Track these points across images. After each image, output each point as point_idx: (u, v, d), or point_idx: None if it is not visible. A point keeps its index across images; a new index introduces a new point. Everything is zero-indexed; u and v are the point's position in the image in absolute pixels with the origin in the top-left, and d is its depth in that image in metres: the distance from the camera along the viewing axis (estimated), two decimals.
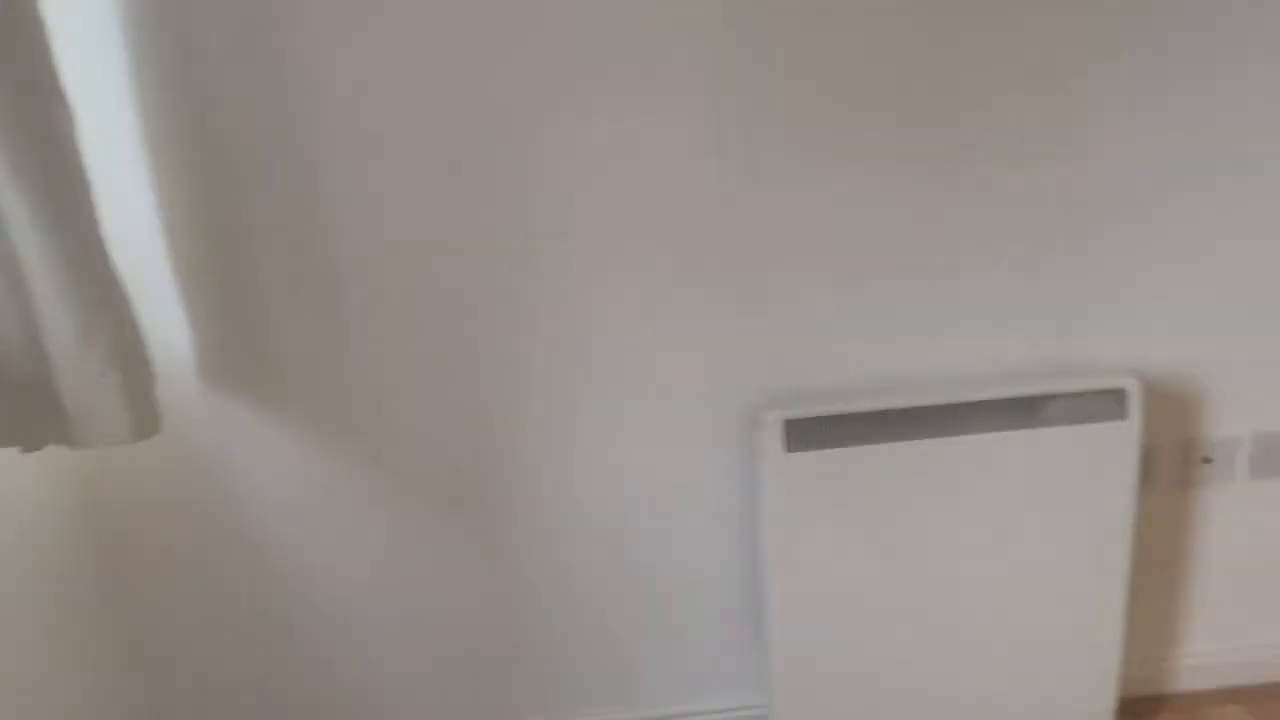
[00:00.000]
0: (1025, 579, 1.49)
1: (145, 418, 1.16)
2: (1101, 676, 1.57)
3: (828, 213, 1.40)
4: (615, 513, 1.53)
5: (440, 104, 1.31)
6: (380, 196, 1.33)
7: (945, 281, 1.46)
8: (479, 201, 1.35)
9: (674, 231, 1.39)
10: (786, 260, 1.42)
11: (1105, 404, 1.42)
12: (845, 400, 1.41)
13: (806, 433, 1.40)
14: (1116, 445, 1.44)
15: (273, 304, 1.37)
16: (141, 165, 1.29)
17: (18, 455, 1.13)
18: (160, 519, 1.46)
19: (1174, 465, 1.60)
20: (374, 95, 1.29)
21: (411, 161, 1.33)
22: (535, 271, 1.39)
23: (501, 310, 1.40)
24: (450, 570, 1.53)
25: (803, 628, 1.48)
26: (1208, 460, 1.60)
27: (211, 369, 1.39)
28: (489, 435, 1.46)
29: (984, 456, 1.42)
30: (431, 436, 1.46)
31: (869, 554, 1.45)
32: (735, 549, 1.56)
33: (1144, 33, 1.37)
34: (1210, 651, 1.73)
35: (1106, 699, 1.58)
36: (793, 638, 1.49)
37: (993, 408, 1.41)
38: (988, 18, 1.34)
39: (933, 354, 1.49)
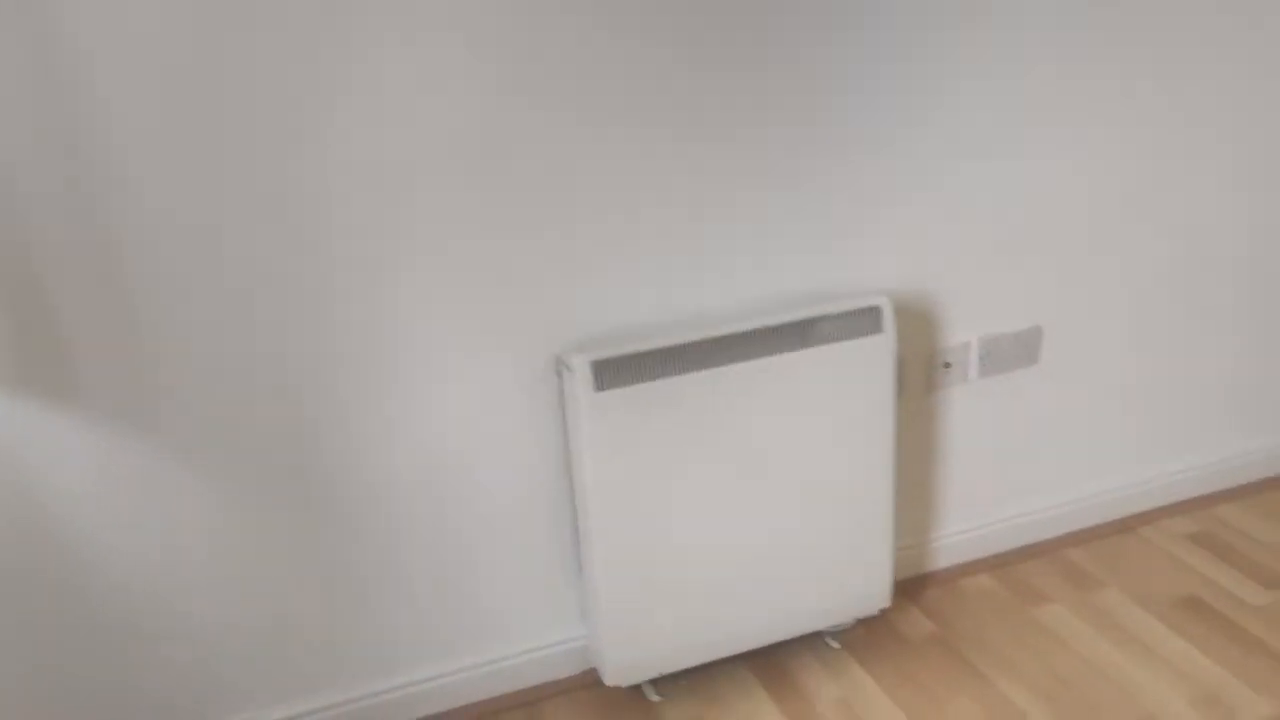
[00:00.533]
0: (812, 482, 1.68)
1: None
2: (879, 562, 1.79)
3: (611, 164, 1.51)
4: (430, 469, 1.58)
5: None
6: (159, 172, 1.31)
7: (722, 222, 1.60)
8: (259, 170, 1.35)
9: (466, 187, 1.45)
10: (575, 212, 1.52)
11: (864, 321, 1.62)
12: (642, 339, 1.53)
13: (612, 372, 1.51)
14: (876, 356, 1.65)
15: (59, 298, 1.31)
16: None
17: None
18: None
19: (922, 371, 1.84)
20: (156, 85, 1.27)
21: (179, 135, 1.31)
22: (329, 237, 1.41)
23: (297, 277, 1.41)
24: (270, 545, 1.54)
25: (620, 556, 1.60)
26: (948, 365, 1.86)
27: None
28: (295, 403, 1.47)
29: (769, 376, 1.59)
30: (237, 413, 1.45)
31: (676, 476, 1.59)
32: (550, 489, 1.66)
33: None
34: (962, 530, 2.01)
35: (884, 582, 1.81)
36: (611, 567, 1.60)
37: (772, 333, 1.57)
38: None
39: (715, 289, 1.64)
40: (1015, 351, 1.91)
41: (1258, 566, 1.97)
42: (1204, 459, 2.18)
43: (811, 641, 1.85)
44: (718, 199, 1.58)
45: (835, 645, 1.84)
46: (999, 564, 2.04)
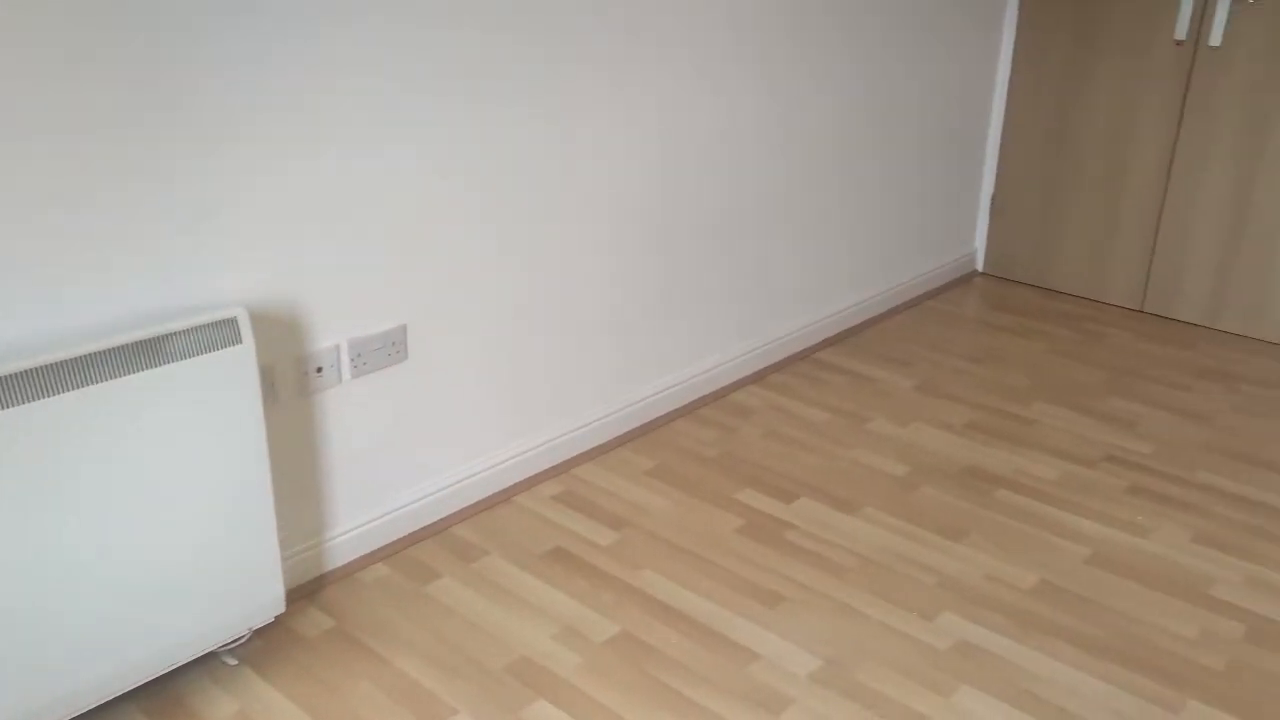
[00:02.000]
0: (181, 507, 1.64)
1: None
2: (266, 570, 1.80)
3: None
4: None
5: None
6: None
7: (49, 239, 1.50)
8: None
9: None
10: None
11: (220, 333, 1.62)
12: None
13: None
14: (237, 368, 1.66)
15: None
16: None
17: None
18: None
19: (293, 378, 1.89)
20: None
21: None
22: None
23: None
24: None
25: None
26: (319, 369, 1.92)
27: None
28: None
29: (116, 400, 1.52)
30: None
31: (15, 522, 1.46)
32: None
33: None
34: (356, 525, 2.09)
35: (274, 589, 1.82)
36: None
37: (116, 354, 1.51)
38: None
39: (47, 313, 1.53)
40: (385, 350, 2.03)
41: (606, 513, 2.33)
42: (563, 428, 2.50)
43: (207, 663, 1.81)
44: (52, 210, 1.48)
45: (233, 662, 1.82)
46: (394, 550, 2.16)
